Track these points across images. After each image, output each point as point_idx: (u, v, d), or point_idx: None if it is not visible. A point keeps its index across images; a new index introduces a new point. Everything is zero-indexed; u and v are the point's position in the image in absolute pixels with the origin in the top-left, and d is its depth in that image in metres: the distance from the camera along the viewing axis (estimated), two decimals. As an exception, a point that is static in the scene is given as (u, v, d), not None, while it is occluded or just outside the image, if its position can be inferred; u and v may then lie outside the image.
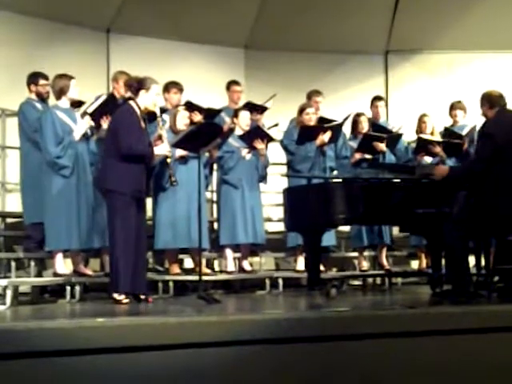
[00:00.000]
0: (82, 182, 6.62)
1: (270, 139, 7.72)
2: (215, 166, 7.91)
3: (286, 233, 7.88)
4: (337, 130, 7.97)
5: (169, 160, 6.39)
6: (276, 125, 8.40)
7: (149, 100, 6.12)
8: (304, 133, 7.84)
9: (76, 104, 6.95)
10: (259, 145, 7.58)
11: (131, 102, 6.10)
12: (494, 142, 5.59)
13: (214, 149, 7.49)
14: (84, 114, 6.83)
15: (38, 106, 7.15)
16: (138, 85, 6.09)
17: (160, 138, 6.35)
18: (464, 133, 8.16)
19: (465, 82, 10.06)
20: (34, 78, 7.22)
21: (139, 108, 6.08)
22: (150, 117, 6.41)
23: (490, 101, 5.79)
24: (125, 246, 5.84)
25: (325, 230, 6.86)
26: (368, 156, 8.10)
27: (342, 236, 8.55)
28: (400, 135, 8.44)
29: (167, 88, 7.65)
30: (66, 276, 6.55)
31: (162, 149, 6.29)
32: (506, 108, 5.85)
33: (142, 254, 6.10)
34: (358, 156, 8.12)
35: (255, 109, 8.13)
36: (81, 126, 6.68)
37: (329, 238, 7.70)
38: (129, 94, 6.26)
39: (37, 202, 6.78)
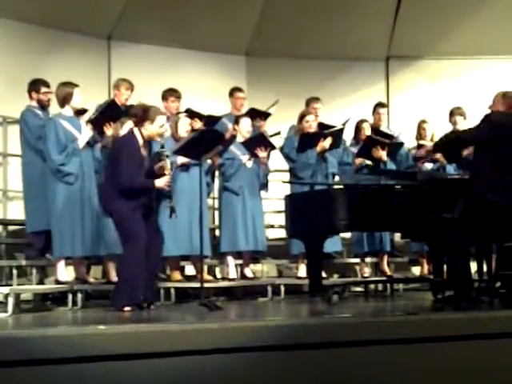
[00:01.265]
0: (87, 190, 6.62)
1: (272, 148, 7.71)
2: (217, 173, 7.90)
3: (287, 239, 7.89)
4: (337, 135, 7.97)
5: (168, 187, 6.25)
6: (278, 133, 8.38)
7: (153, 131, 6.01)
8: (304, 140, 7.83)
9: (81, 112, 6.93)
10: (261, 153, 7.58)
11: (135, 131, 5.99)
12: (493, 128, 5.59)
13: (215, 156, 7.49)
14: (87, 121, 6.83)
15: (39, 113, 7.13)
16: (143, 115, 5.98)
17: (163, 169, 6.08)
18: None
19: (465, 87, 10.08)
20: (35, 86, 7.19)
21: (143, 137, 5.99)
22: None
23: (504, 97, 5.83)
24: (133, 257, 5.78)
25: (326, 237, 6.86)
26: (369, 162, 8.11)
27: (344, 242, 8.54)
28: (401, 144, 8.44)
29: (165, 96, 7.66)
30: (67, 283, 6.55)
31: (163, 181, 6.05)
32: None
33: (152, 264, 6.01)
34: (358, 161, 8.13)
35: (258, 115, 8.14)
36: (85, 134, 6.68)
37: (334, 244, 7.71)
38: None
39: (39, 210, 6.78)
